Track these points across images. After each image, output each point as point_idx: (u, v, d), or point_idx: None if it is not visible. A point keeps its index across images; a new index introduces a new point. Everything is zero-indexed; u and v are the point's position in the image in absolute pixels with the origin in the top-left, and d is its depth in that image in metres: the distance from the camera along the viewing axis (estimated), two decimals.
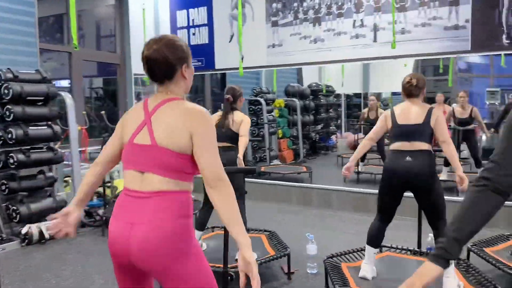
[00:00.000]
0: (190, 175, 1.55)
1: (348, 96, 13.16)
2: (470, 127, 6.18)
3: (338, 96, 12.24)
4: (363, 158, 7.06)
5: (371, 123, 6.84)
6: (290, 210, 5.65)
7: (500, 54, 6.37)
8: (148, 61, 1.54)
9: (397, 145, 2.92)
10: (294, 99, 9.42)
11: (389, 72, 11.14)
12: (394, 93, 12.56)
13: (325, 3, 5.57)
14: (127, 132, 1.59)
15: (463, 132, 6.14)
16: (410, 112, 2.93)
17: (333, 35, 5.54)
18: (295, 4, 5.80)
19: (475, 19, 4.65)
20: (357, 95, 13.17)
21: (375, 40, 5.27)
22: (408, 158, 2.84)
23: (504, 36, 4.51)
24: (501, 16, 4.51)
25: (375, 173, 6.46)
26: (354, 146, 9.83)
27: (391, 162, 2.95)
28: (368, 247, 3.04)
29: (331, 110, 11.21)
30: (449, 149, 2.85)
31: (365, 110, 7.63)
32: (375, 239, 3.02)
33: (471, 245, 3.48)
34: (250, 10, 6.16)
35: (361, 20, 5.34)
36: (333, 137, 11.13)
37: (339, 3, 5.48)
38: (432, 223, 2.90)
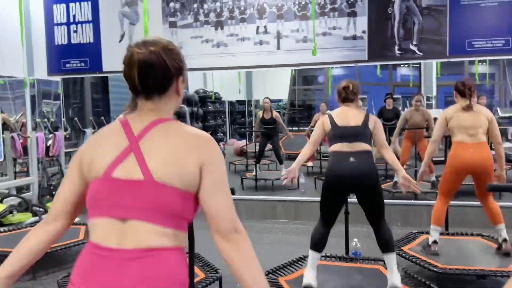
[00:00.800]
0: (187, 224, 1.17)
1: (231, 103, 13.25)
2: None
3: (222, 103, 12.22)
4: (258, 161, 7.05)
5: (266, 123, 7.08)
6: (202, 225, 5.28)
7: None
8: (142, 66, 1.14)
9: (338, 146, 2.89)
10: (182, 105, 9.05)
11: (271, 80, 11.52)
12: (273, 101, 12.99)
13: (227, 7, 5.39)
14: (98, 164, 1.14)
15: None
16: (348, 116, 2.94)
17: (237, 40, 5.39)
18: (195, 6, 5.49)
19: (371, 30, 4.97)
20: (241, 102, 13.34)
21: (278, 48, 5.28)
22: (351, 159, 2.82)
23: (396, 47, 4.91)
24: (393, 28, 4.90)
25: (272, 179, 6.48)
26: (240, 152, 9.90)
27: (334, 164, 2.91)
28: (312, 252, 2.93)
29: (218, 117, 11.13)
30: (388, 154, 2.91)
31: (260, 112, 7.66)
32: (320, 243, 2.93)
33: None
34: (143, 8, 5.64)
35: (265, 26, 5.30)
36: (221, 144, 11.04)
37: (242, 8, 5.36)
38: (373, 222, 2.92)
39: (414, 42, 4.86)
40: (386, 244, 2.88)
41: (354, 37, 5.04)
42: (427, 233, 3.97)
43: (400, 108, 8.28)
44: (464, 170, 3.42)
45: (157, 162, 1.11)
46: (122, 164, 1.12)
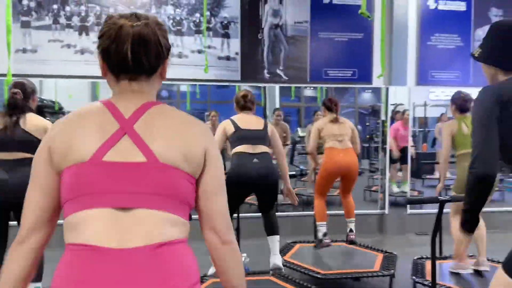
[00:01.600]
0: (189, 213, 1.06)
1: None
2: None
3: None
4: None
5: None
6: None
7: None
8: (137, 41, 1.00)
9: (241, 148, 3.04)
10: None
11: None
12: None
13: (93, 12, 4.96)
14: (80, 148, 0.96)
15: None
16: (250, 120, 3.16)
17: None
18: (55, 7, 4.89)
19: (243, 52, 5.23)
20: None
21: None
22: (255, 160, 2.98)
23: (265, 71, 5.28)
24: (263, 53, 5.26)
25: None
26: None
27: (238, 164, 3.02)
28: None
29: None
30: (283, 162, 3.19)
31: None
32: None
33: None
34: None
35: None
36: None
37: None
38: (265, 211, 3.26)
39: (281, 68, 5.31)
40: (272, 227, 3.25)
41: (228, 58, 5.22)
42: (301, 242, 4.36)
43: None
44: (337, 171, 3.98)
45: (161, 144, 0.99)
46: (115, 147, 0.96)
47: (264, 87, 10.92)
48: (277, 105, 11.79)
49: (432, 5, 5.55)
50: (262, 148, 3.06)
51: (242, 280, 1.09)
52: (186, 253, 0.98)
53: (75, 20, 4.94)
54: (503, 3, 5.68)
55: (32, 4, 4.85)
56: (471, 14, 5.64)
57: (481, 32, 5.67)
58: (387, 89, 5.59)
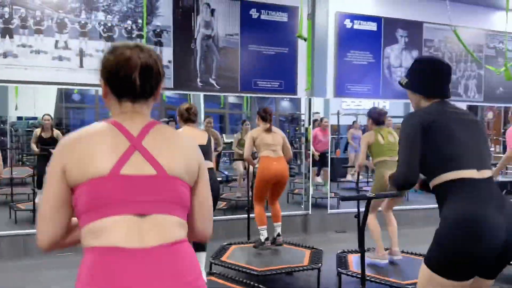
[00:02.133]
0: None
1: None
2: None
3: None
4: (40, 187, 6.29)
5: (44, 143, 6.29)
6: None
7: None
8: (144, 70, 1.19)
9: None
10: None
11: (35, 97, 10.32)
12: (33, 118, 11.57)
13: (18, 14, 4.75)
14: (98, 164, 1.10)
15: None
16: (195, 135, 3.29)
17: (30, 52, 4.80)
18: None
19: (176, 61, 5.35)
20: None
21: (81, 66, 5.00)
22: None
23: (198, 80, 5.45)
24: (196, 62, 5.43)
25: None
26: None
27: None
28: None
29: None
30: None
31: (37, 130, 6.78)
32: None
33: (212, 258, 4.03)
34: None
35: (65, 42, 4.93)
36: None
37: (37, 19, 4.82)
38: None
39: (213, 77, 5.52)
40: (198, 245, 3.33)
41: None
42: (235, 243, 4.59)
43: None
44: (272, 178, 4.25)
45: (167, 159, 1.17)
46: (129, 162, 1.12)
47: (189, 94, 11.03)
48: (202, 112, 11.97)
49: (348, 24, 6.16)
50: (208, 164, 3.24)
51: None
52: (191, 250, 1.18)
53: None
54: (408, 25, 6.49)
55: None
56: (381, 34, 6.36)
57: (389, 50, 6.43)
58: (310, 99, 6.06)
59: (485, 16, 7.11)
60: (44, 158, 6.28)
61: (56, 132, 6.53)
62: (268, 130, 4.33)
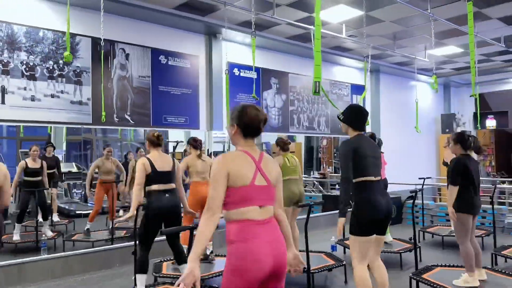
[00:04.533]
0: None
1: None
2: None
3: None
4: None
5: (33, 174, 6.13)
6: None
7: None
8: (263, 122, 2.17)
9: (157, 186, 3.85)
10: None
11: None
12: None
13: None
14: (244, 177, 2.05)
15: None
16: (164, 161, 3.94)
17: None
18: None
19: (94, 99, 5.86)
20: None
21: (3, 102, 5.14)
22: (167, 195, 3.86)
23: (115, 115, 6.04)
24: (112, 100, 6.02)
25: None
26: None
27: (156, 200, 3.81)
28: (140, 275, 3.77)
29: None
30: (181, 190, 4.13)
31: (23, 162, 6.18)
32: (146, 265, 3.83)
33: (154, 273, 4.70)
34: None
35: None
36: None
37: None
38: (172, 243, 4.00)
39: (128, 113, 6.18)
40: (180, 255, 4.02)
41: (80, 103, 5.75)
42: (166, 260, 5.29)
43: None
44: (201, 201, 5.03)
45: (270, 175, 2.14)
46: (257, 177, 2.11)
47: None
48: (64, 143, 11.71)
49: (236, 72, 7.55)
50: (171, 186, 3.91)
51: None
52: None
53: None
54: (278, 75, 8.23)
55: None
56: (260, 81, 7.94)
57: (266, 94, 8.03)
58: (210, 132, 7.18)
59: (329, 69, 9.41)
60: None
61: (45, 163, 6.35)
62: (199, 157, 5.13)
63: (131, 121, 6.23)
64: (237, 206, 2.05)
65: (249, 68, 7.78)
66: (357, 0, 6.19)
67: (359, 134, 3.28)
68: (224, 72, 7.37)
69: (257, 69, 7.89)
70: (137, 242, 3.92)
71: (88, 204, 9.37)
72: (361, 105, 9.19)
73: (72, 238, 6.18)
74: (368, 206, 3.10)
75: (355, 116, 3.28)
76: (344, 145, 3.25)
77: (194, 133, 8.39)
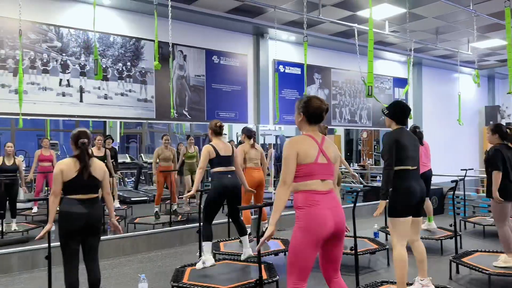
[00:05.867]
0: None
1: None
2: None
3: None
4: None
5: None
6: None
7: None
8: (325, 110, 2.62)
9: (220, 169, 4.43)
10: None
11: None
12: None
13: (28, 56, 5.47)
14: (310, 156, 2.51)
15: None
16: (225, 147, 4.49)
17: (38, 89, 5.53)
18: None
19: (157, 97, 6.51)
20: None
21: (81, 100, 5.87)
22: (229, 176, 4.42)
23: (174, 111, 6.66)
24: (172, 97, 6.64)
25: None
26: None
27: (219, 180, 4.37)
28: (205, 243, 4.35)
29: None
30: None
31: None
32: (211, 235, 4.41)
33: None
34: None
35: (68, 80, 5.76)
36: None
37: (44, 60, 5.60)
38: (234, 218, 4.58)
39: (186, 109, 6.80)
40: (242, 229, 4.57)
41: (145, 100, 6.42)
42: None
43: None
44: (255, 184, 5.56)
45: (330, 154, 2.59)
46: (320, 157, 2.56)
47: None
48: (118, 134, 12.58)
49: (281, 69, 8.01)
50: (232, 168, 4.50)
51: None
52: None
53: (10, 63, 5.35)
54: (321, 70, 8.61)
55: None
56: (304, 77, 8.35)
57: (309, 89, 8.44)
58: (257, 126, 7.70)
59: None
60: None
61: (18, 160, 6.53)
62: (252, 146, 5.75)
63: (188, 116, 6.85)
64: (304, 179, 2.52)
65: (293, 64, 8.22)
66: None
67: (400, 127, 3.66)
68: (270, 69, 7.86)
69: (301, 65, 8.31)
70: (202, 216, 4.48)
71: (140, 192, 10.17)
72: (404, 98, 9.43)
73: (135, 221, 6.89)
74: (404, 192, 3.48)
75: (399, 112, 3.66)
76: (387, 137, 3.64)
77: (241, 126, 8.98)
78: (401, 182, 3.51)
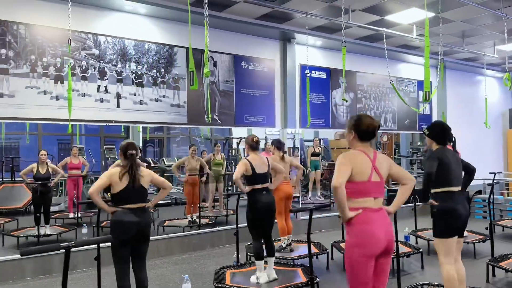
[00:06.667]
0: None
1: None
2: None
3: None
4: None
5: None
6: None
7: None
8: (377, 128, 2.69)
9: (257, 186, 4.44)
10: None
11: None
12: None
13: (68, 63, 5.66)
14: (363, 173, 2.58)
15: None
16: (261, 163, 4.47)
17: (78, 95, 5.72)
18: (33, 57, 5.42)
19: (189, 102, 6.66)
20: None
21: (118, 106, 6.04)
22: (264, 192, 4.40)
23: (205, 116, 6.79)
24: (203, 102, 6.79)
25: None
26: None
27: (258, 197, 4.40)
28: (258, 262, 4.38)
29: None
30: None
31: (33, 165, 6.99)
32: (262, 253, 4.41)
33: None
34: None
35: (105, 87, 5.95)
36: None
37: (83, 67, 5.79)
38: (266, 237, 4.51)
39: (216, 114, 6.94)
40: (272, 249, 4.51)
41: (178, 105, 6.58)
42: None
43: None
44: (284, 198, 5.59)
45: (382, 171, 2.66)
46: (373, 175, 2.63)
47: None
48: (140, 140, 12.75)
49: (308, 73, 8.09)
50: (267, 185, 4.46)
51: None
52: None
53: (51, 70, 5.55)
54: (346, 74, 8.65)
55: (11, 54, 5.28)
56: (329, 81, 8.43)
57: (335, 93, 8.52)
58: (284, 130, 7.80)
59: (396, 67, 9.70)
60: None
61: (52, 167, 6.59)
62: (282, 158, 5.59)
63: (218, 121, 6.99)
64: (356, 197, 2.58)
65: (319, 69, 8.31)
66: (430, 3, 6.51)
67: (442, 146, 3.69)
68: (296, 74, 7.96)
69: (326, 70, 8.39)
70: (250, 233, 4.46)
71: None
72: (430, 102, 9.40)
73: (164, 224, 7.02)
74: (450, 216, 3.52)
75: (440, 132, 3.72)
76: (430, 153, 3.71)
77: (269, 131, 9.09)
78: (447, 204, 3.55)
